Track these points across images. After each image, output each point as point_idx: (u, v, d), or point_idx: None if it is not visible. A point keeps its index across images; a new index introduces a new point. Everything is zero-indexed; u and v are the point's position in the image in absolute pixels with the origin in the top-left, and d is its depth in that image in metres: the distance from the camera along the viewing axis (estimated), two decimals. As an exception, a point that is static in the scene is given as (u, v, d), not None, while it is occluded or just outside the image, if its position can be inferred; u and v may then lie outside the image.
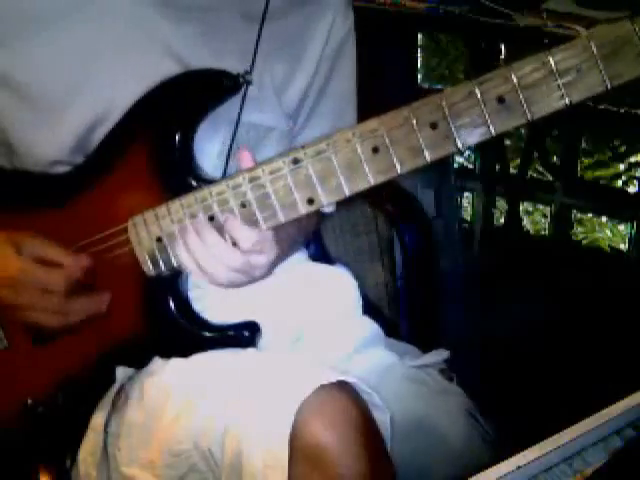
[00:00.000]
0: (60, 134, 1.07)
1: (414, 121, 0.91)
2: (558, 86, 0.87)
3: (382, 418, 0.99)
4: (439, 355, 1.23)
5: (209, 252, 0.98)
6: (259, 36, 1.08)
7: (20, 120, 1.08)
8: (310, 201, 0.96)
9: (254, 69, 1.07)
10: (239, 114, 1.07)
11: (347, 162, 0.94)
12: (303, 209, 0.97)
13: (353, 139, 0.93)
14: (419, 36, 2.94)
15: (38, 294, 1.03)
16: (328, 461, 0.89)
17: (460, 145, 0.91)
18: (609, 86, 0.85)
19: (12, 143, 1.10)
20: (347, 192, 0.95)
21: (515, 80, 0.88)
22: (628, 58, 0.84)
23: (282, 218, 0.97)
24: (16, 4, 1.06)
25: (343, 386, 0.95)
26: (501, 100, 0.88)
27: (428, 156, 0.92)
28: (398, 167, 0.93)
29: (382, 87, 2.37)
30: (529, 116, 0.88)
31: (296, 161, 0.96)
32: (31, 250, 1.03)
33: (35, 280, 1.02)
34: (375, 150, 0.93)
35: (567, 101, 0.87)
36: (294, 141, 1.19)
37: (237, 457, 0.93)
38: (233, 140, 1.08)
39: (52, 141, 1.07)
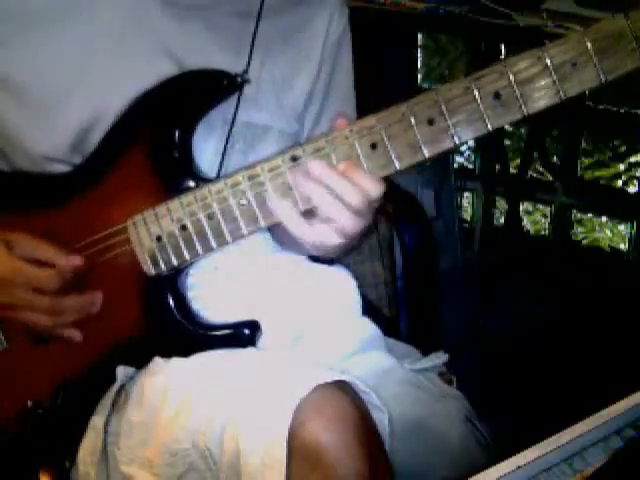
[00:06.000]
0: (57, 132, 1.07)
1: (411, 117, 0.92)
2: (553, 81, 0.87)
3: (380, 418, 0.99)
4: (438, 358, 1.23)
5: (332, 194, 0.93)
6: (255, 34, 1.08)
7: (18, 119, 1.08)
8: None
9: (253, 68, 1.07)
10: (235, 113, 1.07)
11: (346, 159, 0.94)
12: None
13: (351, 136, 0.94)
14: (419, 36, 2.94)
15: (29, 293, 1.03)
16: (326, 460, 0.88)
17: (457, 141, 0.91)
18: (604, 80, 0.86)
19: (10, 143, 1.10)
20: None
21: (511, 76, 0.88)
22: (622, 52, 0.85)
23: None
24: (14, 4, 1.06)
25: (341, 386, 0.94)
26: (497, 96, 0.89)
27: (426, 152, 0.92)
28: (396, 163, 0.93)
29: (382, 87, 2.37)
30: (525, 111, 0.89)
31: (295, 158, 0.95)
32: (23, 250, 1.03)
33: (26, 279, 1.03)
34: (373, 146, 0.93)
35: (563, 95, 0.87)
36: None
37: (235, 456, 0.93)
38: (228, 139, 1.08)
39: (49, 139, 1.07)
